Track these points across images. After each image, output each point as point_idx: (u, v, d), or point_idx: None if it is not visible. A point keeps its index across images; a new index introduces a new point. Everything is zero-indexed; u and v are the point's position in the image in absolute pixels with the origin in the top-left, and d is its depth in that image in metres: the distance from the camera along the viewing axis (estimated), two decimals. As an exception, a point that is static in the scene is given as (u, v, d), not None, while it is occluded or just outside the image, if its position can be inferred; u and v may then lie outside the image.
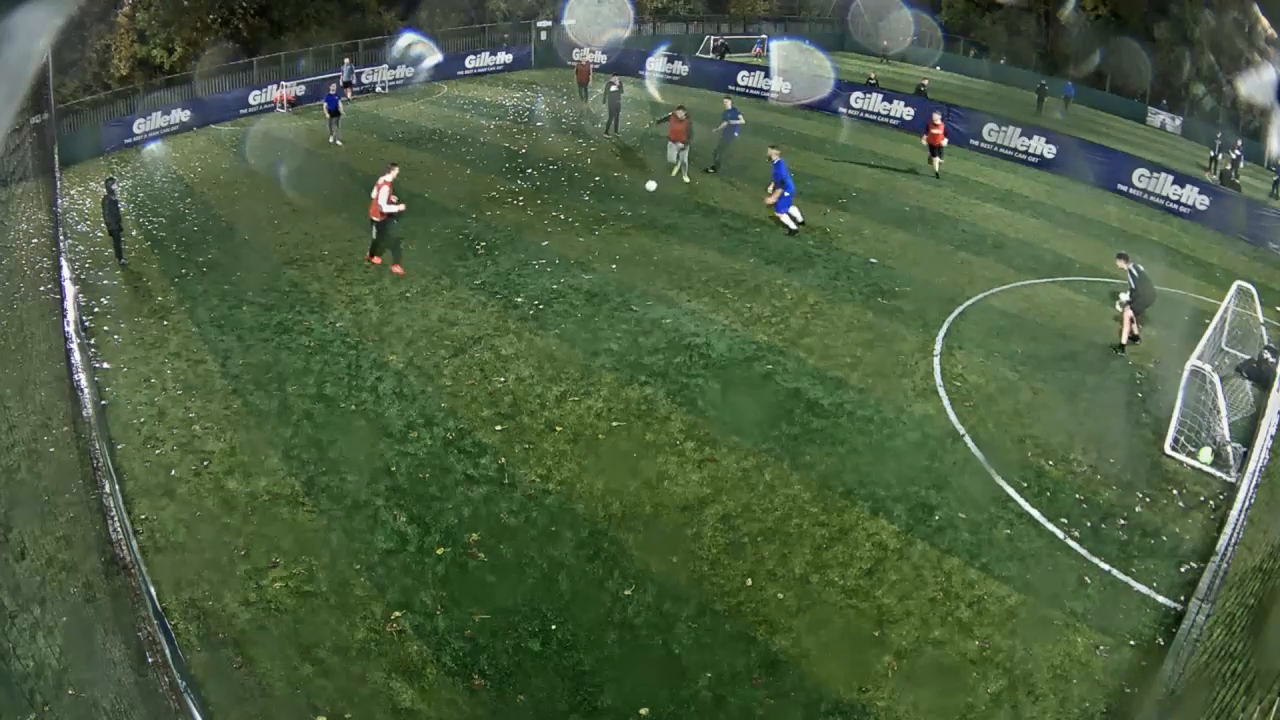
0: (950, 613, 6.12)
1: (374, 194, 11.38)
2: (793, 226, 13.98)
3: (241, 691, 5.28)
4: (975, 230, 15.05)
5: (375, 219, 11.53)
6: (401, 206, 11.57)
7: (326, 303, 11.01)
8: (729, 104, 17.68)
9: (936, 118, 18.32)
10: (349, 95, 24.94)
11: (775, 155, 13.68)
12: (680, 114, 16.29)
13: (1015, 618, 6.10)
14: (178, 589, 6.05)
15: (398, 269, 11.79)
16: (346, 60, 25.51)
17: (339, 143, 19.47)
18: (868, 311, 11.11)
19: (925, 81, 28.75)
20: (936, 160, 18.28)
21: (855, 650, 5.77)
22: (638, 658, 5.66)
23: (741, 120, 17.42)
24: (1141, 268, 10.44)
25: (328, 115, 19.67)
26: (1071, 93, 34.09)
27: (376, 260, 12.05)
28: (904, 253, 13.48)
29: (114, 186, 12.48)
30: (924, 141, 18.67)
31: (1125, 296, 10.61)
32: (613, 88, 20.81)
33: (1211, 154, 26.13)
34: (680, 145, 16.55)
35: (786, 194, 13.70)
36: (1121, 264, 10.55)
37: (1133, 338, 10.51)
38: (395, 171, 11.47)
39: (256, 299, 11.08)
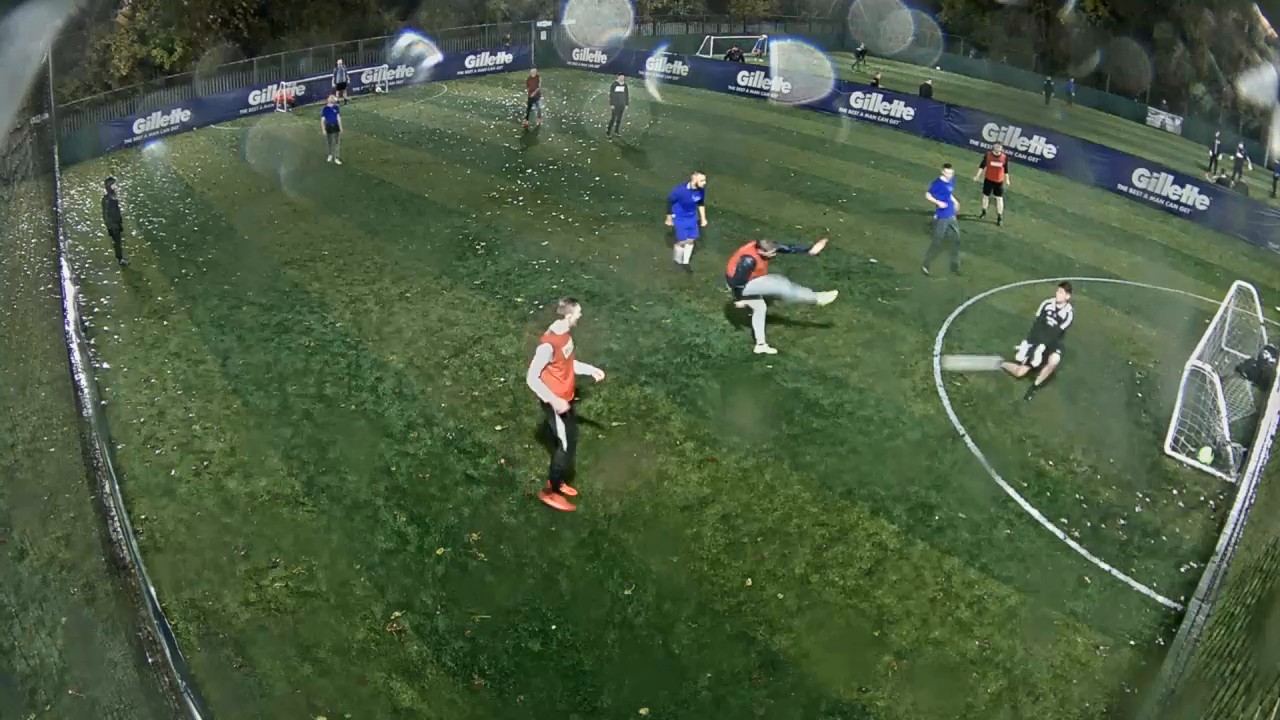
0: (950, 613, 6.12)
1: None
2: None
3: (241, 691, 5.28)
4: (975, 230, 15.03)
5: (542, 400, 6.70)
6: (563, 404, 6.67)
7: (326, 303, 11.01)
8: (948, 174, 12.51)
9: (998, 149, 15.23)
10: (345, 97, 24.95)
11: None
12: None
13: (1015, 618, 6.10)
14: (178, 589, 6.05)
15: (554, 500, 7.09)
16: (339, 62, 25.46)
17: (337, 161, 17.90)
18: (868, 311, 11.11)
19: (930, 81, 28.71)
20: (997, 200, 15.16)
21: (855, 650, 5.77)
22: (638, 658, 5.66)
23: (956, 206, 12.58)
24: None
25: (325, 131, 17.91)
26: (1072, 89, 34.53)
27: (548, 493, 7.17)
28: (904, 253, 13.47)
29: (114, 186, 12.50)
30: (978, 178, 15.21)
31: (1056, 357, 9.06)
32: (618, 88, 20.58)
33: (1211, 154, 26.15)
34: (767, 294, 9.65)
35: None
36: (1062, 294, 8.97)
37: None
38: (575, 314, 6.75)
39: (256, 299, 11.08)
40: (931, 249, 12.68)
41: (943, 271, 12.65)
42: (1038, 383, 9.17)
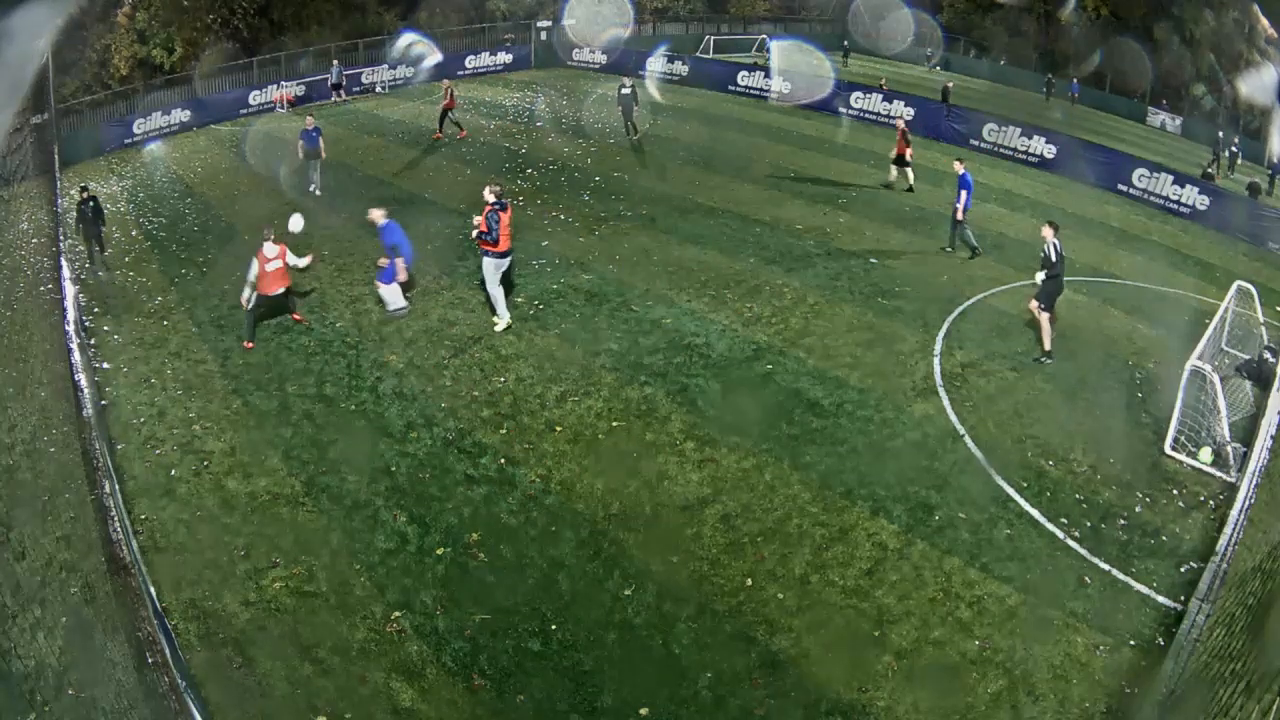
0: (950, 613, 6.12)
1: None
2: (395, 306, 10.53)
3: (241, 691, 5.28)
4: (975, 230, 15.02)
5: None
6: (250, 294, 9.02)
7: (326, 303, 11.01)
8: (961, 166, 13.05)
9: (900, 123, 16.95)
10: (341, 97, 24.94)
11: (380, 218, 10.37)
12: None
13: (1015, 618, 6.10)
14: (178, 589, 6.05)
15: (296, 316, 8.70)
16: (335, 62, 25.41)
17: (318, 191, 15.70)
18: (868, 311, 11.11)
19: (950, 84, 28.29)
20: (895, 171, 16.85)
21: (855, 650, 5.77)
22: (638, 658, 5.66)
23: (962, 202, 12.96)
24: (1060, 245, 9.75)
25: (303, 156, 15.47)
26: (1076, 90, 34.64)
27: None
28: (904, 253, 13.48)
29: (89, 193, 12.43)
30: (895, 154, 16.83)
31: (1040, 277, 9.77)
32: (624, 90, 20.01)
33: (1213, 156, 26.13)
34: None
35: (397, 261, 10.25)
36: (1048, 233, 9.73)
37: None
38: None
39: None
40: (966, 235, 13.45)
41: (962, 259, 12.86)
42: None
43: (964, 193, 12.82)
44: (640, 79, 27.62)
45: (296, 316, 10.43)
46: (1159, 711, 4.99)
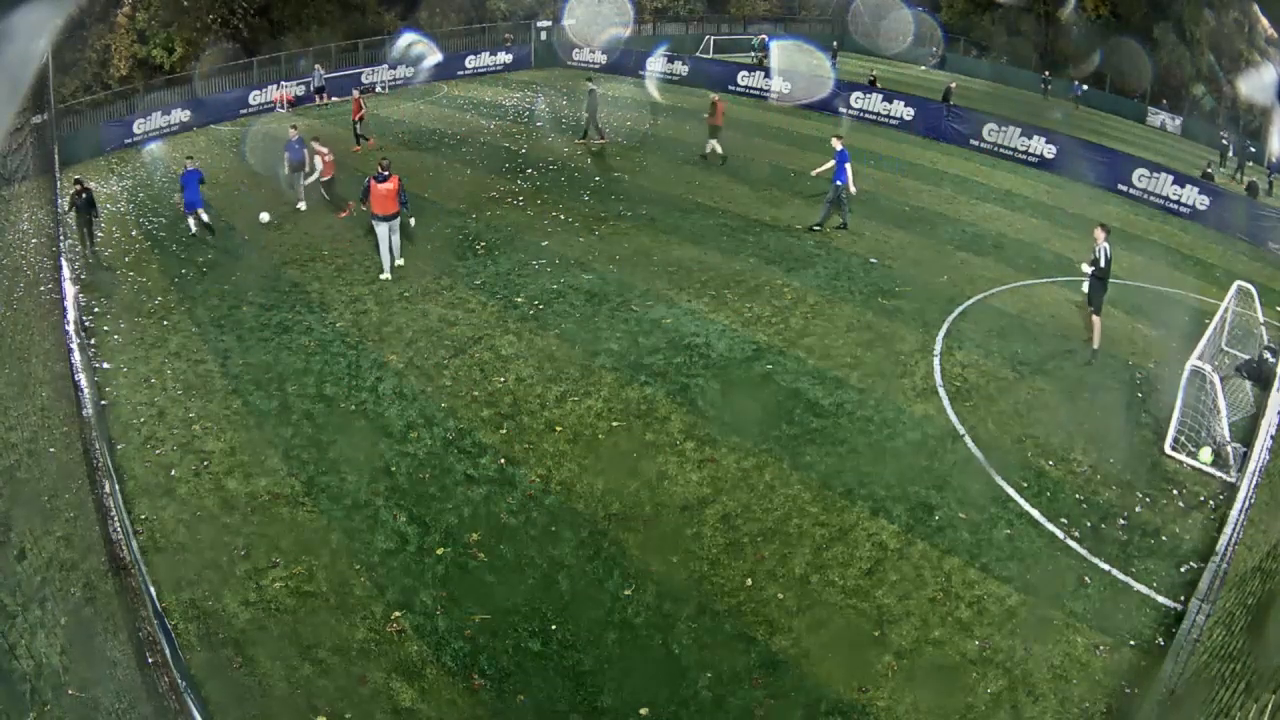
0: (950, 613, 6.12)
1: None
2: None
3: (241, 691, 5.29)
4: (975, 230, 15.05)
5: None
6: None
7: (326, 303, 11.01)
8: (838, 144, 13.76)
9: (715, 96, 18.72)
10: (326, 99, 24.90)
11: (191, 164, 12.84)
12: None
13: (1015, 618, 6.10)
14: (178, 589, 6.05)
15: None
16: (317, 67, 25.34)
17: (302, 206, 14.88)
18: (868, 311, 11.11)
19: (953, 85, 28.17)
20: (712, 143, 18.36)
21: (855, 650, 5.77)
22: (638, 658, 5.66)
23: (849, 177, 13.78)
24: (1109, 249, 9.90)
25: (288, 169, 14.78)
26: (1079, 91, 34.71)
27: None
28: (904, 253, 13.47)
29: (86, 186, 12.63)
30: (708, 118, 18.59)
31: (1086, 268, 10.00)
32: (589, 90, 19.71)
33: (1221, 157, 26.10)
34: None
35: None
36: (1100, 235, 9.87)
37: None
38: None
39: (256, 299, 11.08)
40: (830, 211, 14.23)
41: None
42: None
43: (834, 164, 13.69)
44: (641, 78, 27.60)
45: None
46: (1159, 711, 4.99)
